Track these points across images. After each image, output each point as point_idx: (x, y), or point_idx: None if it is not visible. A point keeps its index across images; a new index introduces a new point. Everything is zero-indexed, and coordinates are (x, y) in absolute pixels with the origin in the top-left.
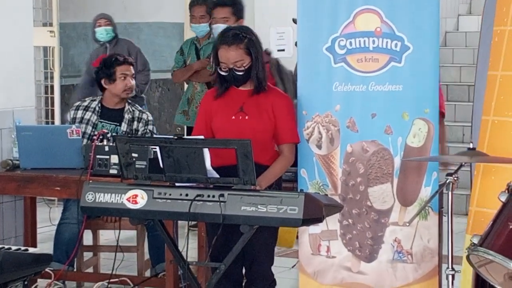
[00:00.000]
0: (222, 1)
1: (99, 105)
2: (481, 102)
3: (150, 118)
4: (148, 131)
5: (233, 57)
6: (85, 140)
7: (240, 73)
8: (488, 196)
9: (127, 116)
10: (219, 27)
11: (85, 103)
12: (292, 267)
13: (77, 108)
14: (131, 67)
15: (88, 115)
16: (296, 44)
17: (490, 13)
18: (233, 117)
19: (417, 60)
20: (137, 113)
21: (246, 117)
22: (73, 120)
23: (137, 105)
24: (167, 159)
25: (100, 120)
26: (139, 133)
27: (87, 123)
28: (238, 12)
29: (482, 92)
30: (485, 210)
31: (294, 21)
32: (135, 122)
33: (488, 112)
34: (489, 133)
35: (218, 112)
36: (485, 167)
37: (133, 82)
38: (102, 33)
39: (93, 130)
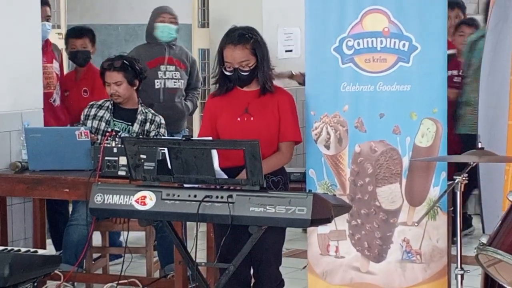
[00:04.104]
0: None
1: (112, 103)
2: (486, 101)
3: (163, 121)
4: (160, 134)
5: (239, 57)
6: (99, 137)
7: (245, 74)
8: None
9: (140, 117)
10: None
11: (99, 102)
12: (304, 267)
13: (91, 106)
14: (120, 74)
15: (101, 112)
16: None
17: (497, 13)
18: (239, 119)
19: (425, 60)
20: (150, 115)
21: (252, 118)
22: (86, 117)
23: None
24: (175, 161)
25: (113, 118)
26: (151, 135)
27: (100, 120)
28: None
29: (488, 91)
30: None
31: None
32: (148, 124)
33: None
34: None
35: (223, 113)
36: None
37: (120, 89)
38: (164, 30)
39: (107, 126)
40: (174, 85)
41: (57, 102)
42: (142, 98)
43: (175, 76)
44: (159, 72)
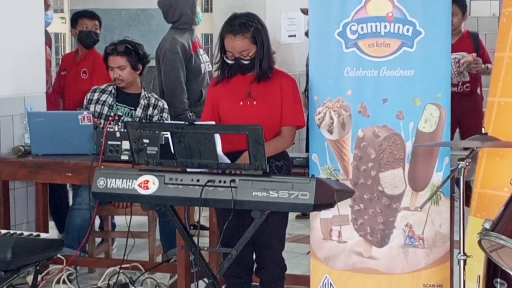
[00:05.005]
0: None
1: (115, 87)
2: None
3: (166, 106)
4: (162, 118)
5: (239, 46)
6: (102, 121)
7: (246, 62)
8: (493, 178)
9: (143, 101)
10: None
11: (102, 87)
12: (308, 253)
13: (94, 91)
14: (124, 58)
15: (104, 97)
16: (306, 34)
17: None
18: (241, 103)
19: (429, 45)
20: (153, 100)
21: (254, 103)
22: (89, 102)
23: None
24: (178, 145)
25: (116, 103)
26: (154, 119)
27: (103, 104)
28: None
29: None
30: (489, 191)
31: (302, 11)
32: (151, 108)
33: (494, 93)
34: (495, 115)
35: (225, 98)
36: (490, 149)
37: (123, 74)
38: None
39: (110, 111)
40: (209, 67)
41: (50, 89)
42: (194, 85)
43: (207, 59)
44: (201, 57)
